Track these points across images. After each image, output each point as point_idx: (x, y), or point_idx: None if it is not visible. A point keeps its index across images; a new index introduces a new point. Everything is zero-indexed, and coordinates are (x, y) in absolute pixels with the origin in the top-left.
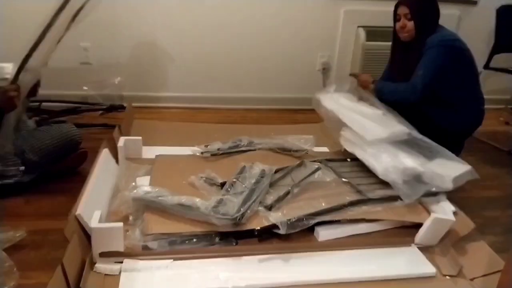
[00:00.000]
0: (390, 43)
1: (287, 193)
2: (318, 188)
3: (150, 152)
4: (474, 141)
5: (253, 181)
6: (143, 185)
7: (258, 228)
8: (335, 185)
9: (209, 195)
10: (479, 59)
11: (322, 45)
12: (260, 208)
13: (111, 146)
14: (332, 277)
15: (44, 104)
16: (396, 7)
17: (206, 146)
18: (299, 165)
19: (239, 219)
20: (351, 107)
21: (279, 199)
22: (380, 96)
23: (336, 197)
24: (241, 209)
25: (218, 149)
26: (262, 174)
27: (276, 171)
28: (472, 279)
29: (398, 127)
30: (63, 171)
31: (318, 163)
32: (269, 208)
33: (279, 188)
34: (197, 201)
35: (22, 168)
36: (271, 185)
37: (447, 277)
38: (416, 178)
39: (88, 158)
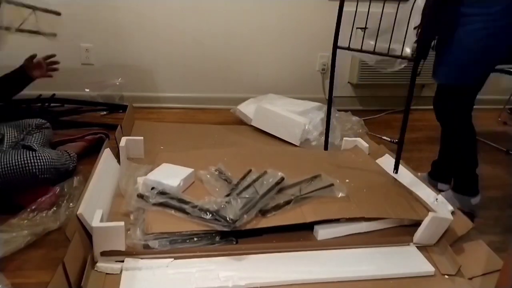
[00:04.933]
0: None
1: (288, 202)
2: (325, 202)
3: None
4: None
5: (267, 188)
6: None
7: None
8: (342, 201)
9: (214, 192)
10: None
11: (322, 45)
12: (256, 212)
13: (112, 146)
14: (331, 276)
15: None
16: None
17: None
18: (315, 177)
19: (234, 222)
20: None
21: (277, 207)
22: None
23: (330, 211)
24: (238, 213)
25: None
26: (279, 181)
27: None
28: (470, 278)
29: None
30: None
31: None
32: (263, 213)
33: (284, 196)
34: (199, 206)
35: None
36: (279, 191)
37: (445, 276)
38: None
39: (90, 157)
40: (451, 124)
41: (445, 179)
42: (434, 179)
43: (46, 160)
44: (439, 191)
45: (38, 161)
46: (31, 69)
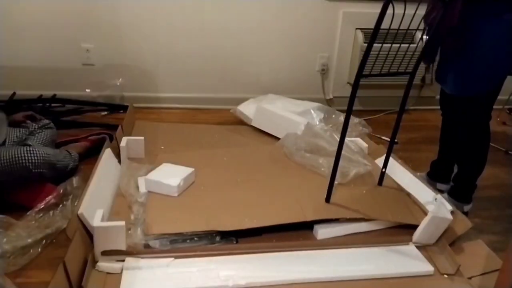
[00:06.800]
0: (387, 45)
1: None
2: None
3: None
4: None
5: None
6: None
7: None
8: None
9: None
10: None
11: (322, 46)
12: None
13: (113, 146)
14: (331, 275)
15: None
16: None
17: None
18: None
19: None
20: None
21: None
22: None
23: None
24: None
25: None
26: None
27: None
28: (470, 278)
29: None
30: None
31: None
32: None
33: None
34: None
35: None
36: None
37: (445, 275)
38: None
39: (92, 157)
40: (469, 132)
41: (444, 179)
42: (433, 179)
43: (39, 154)
44: (438, 191)
45: (31, 155)
46: None
